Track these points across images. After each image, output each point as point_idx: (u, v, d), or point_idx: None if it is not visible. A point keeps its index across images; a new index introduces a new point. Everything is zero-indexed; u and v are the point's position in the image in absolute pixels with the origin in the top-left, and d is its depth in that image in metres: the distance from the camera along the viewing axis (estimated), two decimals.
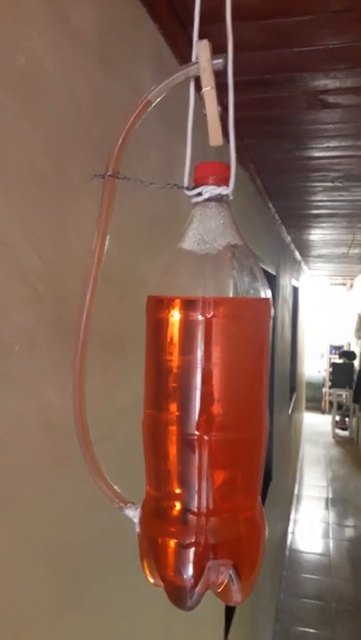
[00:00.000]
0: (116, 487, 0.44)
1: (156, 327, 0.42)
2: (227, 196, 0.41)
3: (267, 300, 0.41)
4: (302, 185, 1.78)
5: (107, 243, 0.42)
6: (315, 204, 2.09)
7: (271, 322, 0.41)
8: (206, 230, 0.42)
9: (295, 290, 4.36)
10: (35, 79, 0.44)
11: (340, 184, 1.71)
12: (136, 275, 0.71)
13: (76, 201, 0.50)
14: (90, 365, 0.48)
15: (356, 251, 3.74)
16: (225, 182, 0.41)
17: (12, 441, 0.44)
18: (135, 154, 0.69)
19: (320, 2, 0.72)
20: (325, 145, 1.34)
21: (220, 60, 0.39)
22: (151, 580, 0.41)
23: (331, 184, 1.72)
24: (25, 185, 0.43)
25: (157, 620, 0.85)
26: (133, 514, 0.43)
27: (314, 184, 1.76)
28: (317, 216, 2.36)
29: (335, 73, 0.93)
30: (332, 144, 1.32)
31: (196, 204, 0.42)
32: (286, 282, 3.39)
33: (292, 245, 3.49)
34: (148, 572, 0.41)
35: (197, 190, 0.41)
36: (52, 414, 0.49)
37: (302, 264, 4.79)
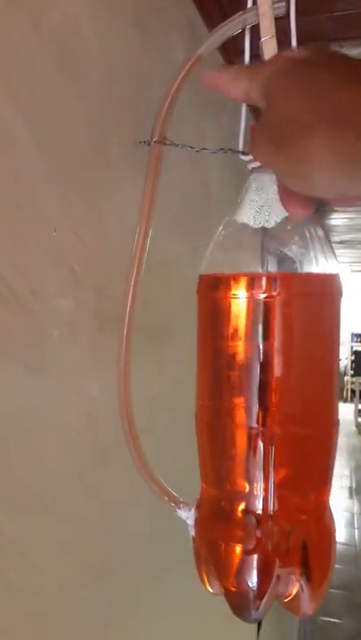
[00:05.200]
0: (167, 486, 0.41)
1: (211, 309, 0.38)
2: None
3: (337, 275, 0.36)
4: None
5: (153, 218, 0.38)
6: None
7: (341, 300, 0.37)
8: (266, 199, 0.37)
9: None
10: (72, 41, 0.40)
11: None
12: (170, 259, 0.67)
13: (116, 177, 0.46)
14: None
15: None
16: None
17: (53, 439, 0.40)
18: (168, 131, 0.65)
19: None
20: None
21: (283, 4, 0.34)
22: (210, 590, 0.37)
23: None
24: (62, 157, 0.39)
25: (190, 620, 0.82)
26: (187, 515, 0.39)
27: None
28: None
29: None
30: None
31: (254, 169, 0.37)
32: None
33: None
34: (206, 580, 0.37)
35: None
36: (93, 408, 0.46)
37: None
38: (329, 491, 0.37)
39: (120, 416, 0.39)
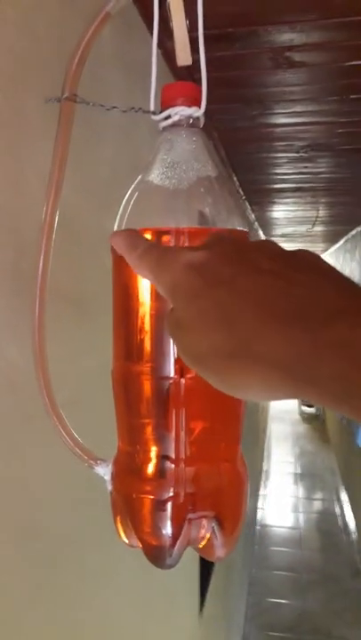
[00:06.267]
0: (84, 444, 0.41)
1: (124, 266, 0.38)
2: (198, 118, 0.38)
3: (244, 232, 0.38)
4: (267, 156, 1.76)
5: (64, 176, 0.38)
6: (279, 177, 2.08)
7: None
8: (176, 160, 0.38)
9: None
10: None
11: (306, 154, 1.69)
12: (99, 232, 0.66)
13: (34, 136, 0.45)
14: (54, 326, 0.44)
15: (320, 228, 3.77)
16: (196, 104, 0.37)
17: None
18: (96, 108, 0.65)
19: None
20: (291, 110, 1.31)
21: None
22: (126, 541, 0.38)
23: (296, 154, 1.71)
24: None
25: (133, 594, 0.82)
26: (104, 471, 0.39)
27: (279, 155, 1.74)
28: (282, 190, 2.35)
29: (302, 26, 0.90)
30: (298, 109, 1.30)
31: (165, 129, 0.38)
32: None
33: (256, 224, 3.48)
34: (122, 531, 0.38)
35: (165, 113, 0.37)
36: (14, 373, 0.45)
37: None
38: (240, 440, 0.39)
39: (36, 370, 0.39)
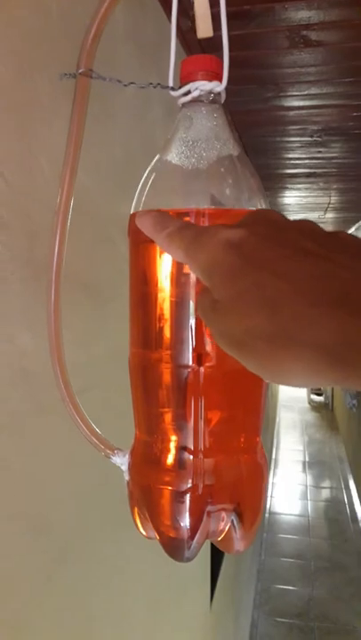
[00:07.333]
0: (101, 433, 0.40)
1: (143, 250, 0.37)
2: (220, 94, 0.36)
3: None
4: (280, 140, 1.73)
5: (79, 157, 0.36)
6: (292, 162, 2.04)
7: None
8: (196, 138, 0.36)
9: None
10: None
11: (319, 138, 1.66)
12: (113, 216, 0.65)
13: (46, 114, 0.44)
14: (67, 311, 0.43)
15: (331, 215, 3.72)
16: (217, 78, 0.35)
17: None
18: (111, 86, 0.63)
19: None
20: (305, 92, 1.28)
21: None
22: (143, 532, 0.37)
23: (310, 138, 1.67)
24: None
25: (144, 581, 0.82)
26: (121, 461, 0.38)
27: (292, 139, 1.70)
28: (294, 176, 2.31)
29: (319, 2, 0.86)
30: (312, 91, 1.26)
31: (184, 106, 0.36)
32: None
33: None
34: (139, 523, 0.37)
35: (185, 88, 0.35)
36: (27, 361, 0.44)
37: None
38: (260, 431, 0.37)
39: (51, 358, 0.38)
